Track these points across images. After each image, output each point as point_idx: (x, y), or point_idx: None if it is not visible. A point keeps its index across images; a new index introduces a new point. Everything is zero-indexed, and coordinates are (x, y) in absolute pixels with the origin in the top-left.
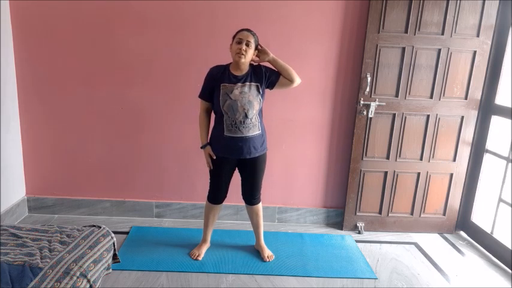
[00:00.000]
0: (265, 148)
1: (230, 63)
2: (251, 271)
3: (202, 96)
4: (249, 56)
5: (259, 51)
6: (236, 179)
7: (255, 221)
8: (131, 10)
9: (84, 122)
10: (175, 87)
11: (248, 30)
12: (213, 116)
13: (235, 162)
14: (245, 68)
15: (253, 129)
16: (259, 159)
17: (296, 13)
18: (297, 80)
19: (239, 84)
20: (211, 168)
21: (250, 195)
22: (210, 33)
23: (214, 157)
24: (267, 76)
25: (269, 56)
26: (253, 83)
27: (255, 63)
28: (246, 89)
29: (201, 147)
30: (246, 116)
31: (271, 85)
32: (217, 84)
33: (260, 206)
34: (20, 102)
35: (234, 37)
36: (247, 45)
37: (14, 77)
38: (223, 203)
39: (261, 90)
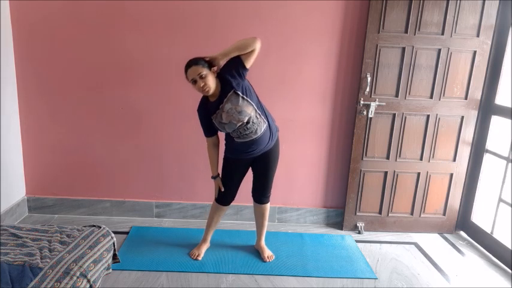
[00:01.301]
0: (275, 134)
1: None
2: (251, 271)
3: (207, 135)
4: (211, 82)
5: (210, 62)
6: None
7: (259, 221)
8: (131, 10)
9: (84, 122)
10: (176, 87)
11: (190, 64)
12: None
13: (250, 161)
14: (217, 90)
15: (260, 127)
16: (272, 151)
17: (296, 13)
18: (256, 45)
19: (221, 106)
20: (223, 174)
21: (262, 193)
22: (210, 34)
23: (223, 189)
24: (233, 73)
25: (218, 58)
26: (229, 94)
27: (216, 73)
28: (228, 105)
29: (212, 178)
30: (246, 123)
31: (243, 70)
32: (210, 119)
33: (268, 206)
34: (20, 102)
35: (186, 78)
36: (202, 77)
37: (14, 77)
38: None
39: (240, 91)
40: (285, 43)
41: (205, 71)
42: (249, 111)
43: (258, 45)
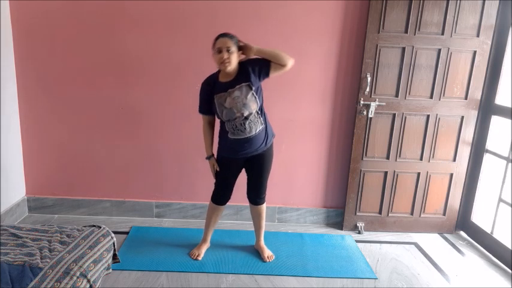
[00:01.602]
0: (271, 138)
1: (219, 70)
2: (251, 271)
3: (201, 111)
4: (234, 60)
5: (242, 48)
6: (238, 179)
7: (257, 222)
8: (131, 10)
9: (84, 122)
10: (176, 87)
11: (224, 34)
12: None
13: (242, 162)
14: (233, 73)
15: (255, 126)
16: (266, 154)
17: (296, 13)
18: (289, 63)
19: (230, 90)
20: (216, 172)
21: (256, 194)
22: (210, 33)
23: (218, 169)
24: (256, 70)
25: (253, 49)
26: (243, 84)
27: (241, 61)
28: (237, 92)
29: (206, 158)
30: (245, 118)
31: (265, 74)
32: (211, 96)
33: (264, 206)
34: (20, 102)
35: (213, 45)
36: (228, 51)
37: (14, 76)
38: None
39: (253, 87)
40: (285, 43)
41: (233, 48)
42: (253, 108)
43: (290, 64)
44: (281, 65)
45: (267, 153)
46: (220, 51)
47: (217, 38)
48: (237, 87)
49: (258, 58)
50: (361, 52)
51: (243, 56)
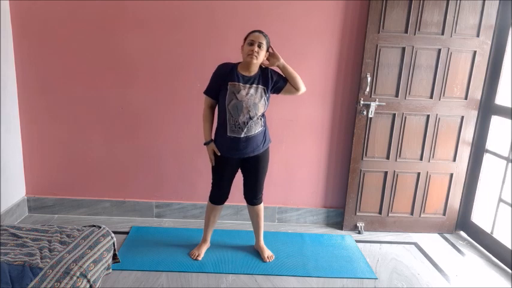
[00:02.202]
0: (268, 143)
1: (239, 62)
2: (251, 271)
3: (208, 92)
4: (261, 57)
5: (270, 54)
6: (237, 179)
7: (255, 222)
8: (131, 10)
9: (84, 122)
10: (176, 88)
11: (260, 31)
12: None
13: (238, 161)
14: (254, 70)
15: (255, 128)
16: (262, 156)
17: (296, 13)
18: (302, 89)
19: (247, 85)
20: (214, 165)
21: (253, 195)
22: (209, 33)
23: (219, 153)
24: (274, 81)
25: (279, 61)
26: (260, 86)
27: (263, 66)
28: (253, 90)
29: (205, 144)
30: (249, 117)
31: (277, 90)
32: (224, 82)
33: (262, 206)
34: (20, 102)
35: (245, 38)
36: (259, 46)
37: (14, 76)
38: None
39: (267, 94)
40: (285, 43)
41: (264, 46)
42: (260, 111)
43: (300, 92)
44: (295, 89)
45: (263, 156)
46: (252, 43)
47: (252, 32)
48: (254, 85)
49: (279, 73)
50: (361, 52)
51: (266, 62)
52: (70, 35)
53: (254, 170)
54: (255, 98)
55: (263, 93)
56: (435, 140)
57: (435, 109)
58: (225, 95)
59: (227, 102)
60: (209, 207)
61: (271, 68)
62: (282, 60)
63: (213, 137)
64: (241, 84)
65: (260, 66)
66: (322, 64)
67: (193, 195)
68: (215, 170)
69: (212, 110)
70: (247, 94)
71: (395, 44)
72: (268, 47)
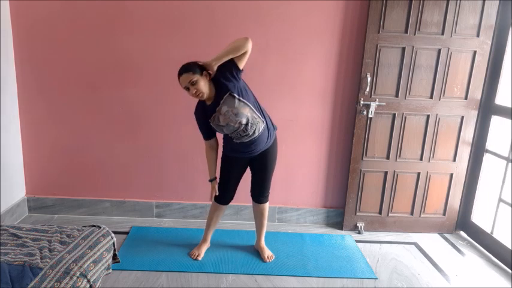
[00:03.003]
0: (273, 133)
1: None
2: (251, 271)
3: (205, 137)
4: (204, 87)
5: (204, 67)
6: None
7: (259, 221)
8: (131, 10)
9: (84, 122)
10: (175, 87)
11: (181, 72)
12: None
13: (247, 160)
14: (211, 94)
15: (258, 126)
16: (270, 150)
17: (296, 13)
18: (247, 47)
19: (217, 109)
20: (221, 173)
21: (260, 192)
22: (209, 33)
23: (218, 193)
24: (227, 76)
25: (211, 64)
26: (225, 96)
27: (211, 77)
28: (225, 107)
29: (209, 181)
30: (245, 123)
31: (237, 72)
32: (207, 122)
33: (267, 206)
34: (20, 102)
35: (180, 84)
36: (194, 84)
37: (14, 77)
38: None
39: (235, 93)
40: (285, 43)
41: (196, 77)
42: (246, 112)
43: (249, 46)
44: (241, 55)
45: (271, 149)
46: (187, 88)
47: (178, 79)
48: (221, 102)
49: (222, 64)
50: (361, 52)
51: (210, 72)
52: (70, 35)
53: (263, 165)
54: (232, 109)
55: (233, 98)
56: (435, 140)
57: (435, 109)
58: (215, 130)
59: (221, 132)
60: (213, 207)
61: (215, 70)
62: (212, 61)
63: (220, 142)
64: (214, 113)
65: (211, 80)
66: (322, 64)
67: (194, 195)
68: (223, 169)
69: (213, 149)
70: (224, 115)
71: (395, 44)
72: (202, 69)
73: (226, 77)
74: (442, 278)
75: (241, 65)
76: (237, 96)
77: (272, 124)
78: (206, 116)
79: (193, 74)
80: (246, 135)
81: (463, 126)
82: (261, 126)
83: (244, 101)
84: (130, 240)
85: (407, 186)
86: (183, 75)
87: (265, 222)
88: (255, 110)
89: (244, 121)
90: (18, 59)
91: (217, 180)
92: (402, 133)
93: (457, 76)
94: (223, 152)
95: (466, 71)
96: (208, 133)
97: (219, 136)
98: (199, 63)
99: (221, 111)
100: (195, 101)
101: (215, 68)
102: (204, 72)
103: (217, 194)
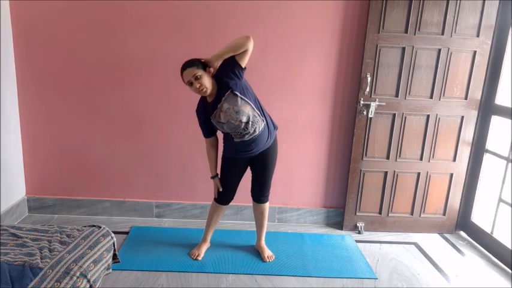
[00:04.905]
0: (274, 133)
1: None
2: (251, 271)
3: (206, 135)
4: (207, 83)
5: (205, 64)
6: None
7: (259, 221)
8: (131, 10)
9: (84, 122)
10: (176, 87)
11: (185, 66)
12: None
13: (247, 160)
14: (213, 91)
15: (258, 125)
16: (271, 149)
17: (296, 13)
18: (248, 45)
19: (218, 105)
20: (221, 173)
21: (260, 192)
22: (209, 33)
23: (221, 189)
24: (229, 74)
25: (212, 60)
26: (227, 94)
27: (212, 75)
28: (226, 105)
29: (211, 178)
30: (246, 121)
31: (239, 70)
32: (208, 119)
33: (267, 205)
34: (19, 102)
35: (183, 80)
36: (197, 78)
37: (14, 77)
38: None
39: (237, 91)
40: (285, 43)
41: (200, 72)
42: (247, 110)
43: (250, 45)
44: (242, 53)
45: (272, 148)
46: (191, 83)
47: (181, 74)
48: (223, 99)
49: (224, 62)
50: (361, 52)
51: (211, 70)
52: (70, 35)
53: (263, 165)
54: (233, 107)
55: (235, 96)
56: (435, 140)
57: (435, 109)
58: (215, 127)
59: (221, 130)
60: (213, 207)
61: (217, 68)
62: (213, 58)
63: (220, 141)
64: (216, 110)
65: (213, 77)
66: (322, 64)
67: (194, 195)
68: (223, 170)
69: (214, 147)
70: (225, 112)
71: (395, 44)
72: (205, 65)
73: (228, 75)
74: (442, 278)
75: (243, 63)
76: (238, 94)
77: (273, 123)
78: (207, 113)
79: (197, 68)
80: (246, 134)
81: (463, 126)
82: (261, 125)
83: (246, 99)
84: (130, 240)
85: (407, 186)
86: (187, 70)
87: (266, 222)
88: (255, 108)
89: (244, 119)
90: (18, 59)
91: (219, 176)
92: (402, 133)
93: (457, 76)
94: (223, 154)
95: (466, 71)
96: (209, 131)
97: (219, 135)
98: (202, 60)
99: (222, 109)
100: (195, 101)
101: (216, 64)
102: (208, 69)
103: (220, 190)
